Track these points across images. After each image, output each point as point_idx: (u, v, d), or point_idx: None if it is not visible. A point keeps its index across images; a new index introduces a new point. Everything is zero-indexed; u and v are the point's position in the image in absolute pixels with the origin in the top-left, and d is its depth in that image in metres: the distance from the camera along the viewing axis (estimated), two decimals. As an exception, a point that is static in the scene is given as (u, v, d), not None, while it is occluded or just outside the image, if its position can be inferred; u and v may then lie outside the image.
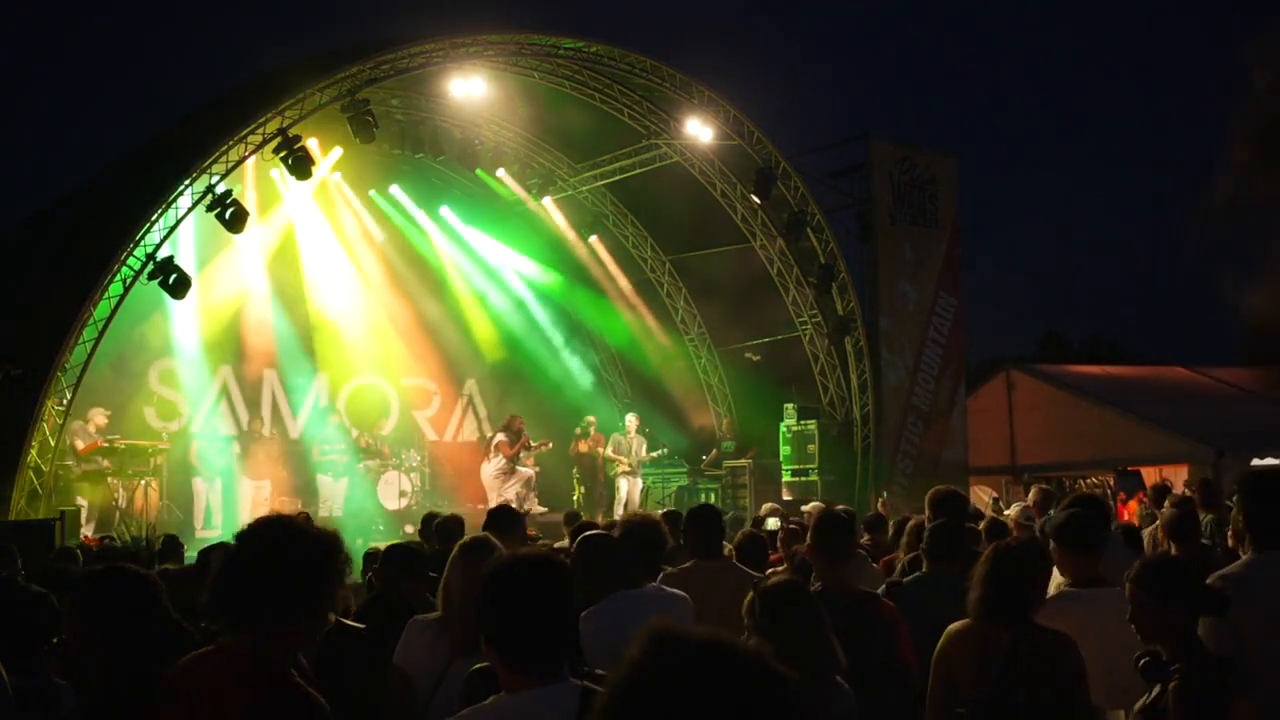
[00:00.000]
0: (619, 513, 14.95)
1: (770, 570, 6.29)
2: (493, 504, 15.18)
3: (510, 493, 15.32)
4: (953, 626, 3.79)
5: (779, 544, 7.40)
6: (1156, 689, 3.22)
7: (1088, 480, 16.65)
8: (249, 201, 13.80)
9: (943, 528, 5.24)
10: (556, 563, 2.50)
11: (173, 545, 6.63)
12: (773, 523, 8.26)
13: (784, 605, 3.41)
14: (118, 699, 2.66)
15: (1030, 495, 9.87)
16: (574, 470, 16.35)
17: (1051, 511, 8.86)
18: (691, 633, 1.40)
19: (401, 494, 15.27)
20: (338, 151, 14.80)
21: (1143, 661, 3.28)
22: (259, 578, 2.41)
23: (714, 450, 16.87)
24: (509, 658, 2.33)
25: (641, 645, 1.39)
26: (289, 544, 2.45)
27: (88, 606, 2.77)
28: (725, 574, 5.06)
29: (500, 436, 15.66)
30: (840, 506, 7.40)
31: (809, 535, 4.70)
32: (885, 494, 14.42)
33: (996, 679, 3.61)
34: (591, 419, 16.51)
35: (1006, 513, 10.00)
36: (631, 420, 16.19)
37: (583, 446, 16.38)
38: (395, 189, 16.62)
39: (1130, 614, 3.35)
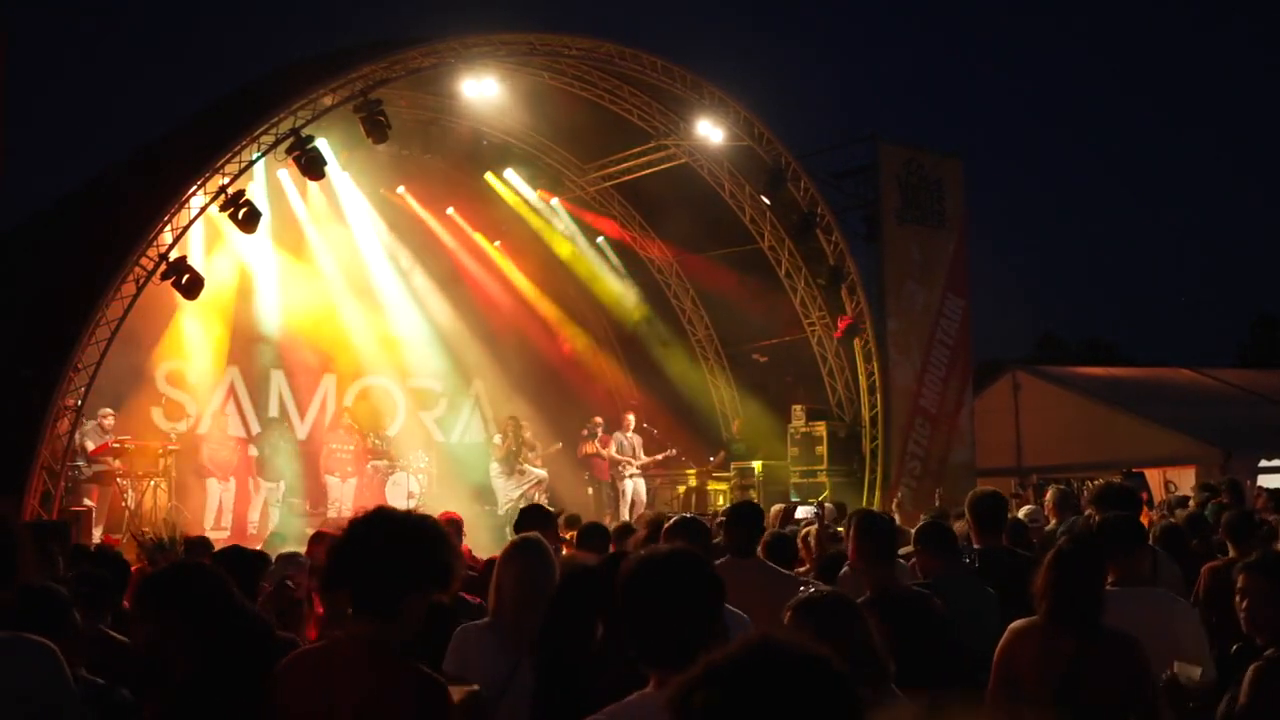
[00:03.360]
0: (625, 514, 14.94)
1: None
2: (500, 505, 15.30)
3: (516, 493, 15.31)
4: (1016, 625, 3.79)
5: (801, 544, 7.37)
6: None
7: (1095, 481, 16.67)
8: (257, 201, 13.73)
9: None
10: (698, 558, 2.48)
11: (201, 545, 6.58)
12: (803, 511, 8.22)
13: (838, 621, 3.35)
14: (197, 695, 2.63)
15: (1048, 496, 9.87)
16: (584, 472, 16.34)
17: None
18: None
19: (409, 495, 15.21)
20: (347, 152, 14.75)
21: (1235, 648, 3.29)
22: (371, 565, 2.44)
23: (721, 452, 16.86)
24: (649, 655, 2.30)
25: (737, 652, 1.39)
26: (396, 531, 2.48)
27: (157, 606, 2.73)
28: (758, 573, 5.07)
29: (495, 439, 15.68)
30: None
31: (853, 538, 4.68)
32: (900, 494, 14.42)
33: (1061, 680, 3.60)
34: (599, 420, 16.49)
35: (1018, 514, 9.99)
36: (630, 419, 16.20)
37: (589, 448, 16.36)
38: (402, 189, 16.56)
39: (1244, 602, 3.35)
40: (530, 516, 5.85)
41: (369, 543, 2.47)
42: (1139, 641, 3.66)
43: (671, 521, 5.18)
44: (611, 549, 5.98)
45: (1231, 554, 4.93)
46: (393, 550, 2.46)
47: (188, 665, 2.62)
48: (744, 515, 5.22)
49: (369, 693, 2.31)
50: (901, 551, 5.67)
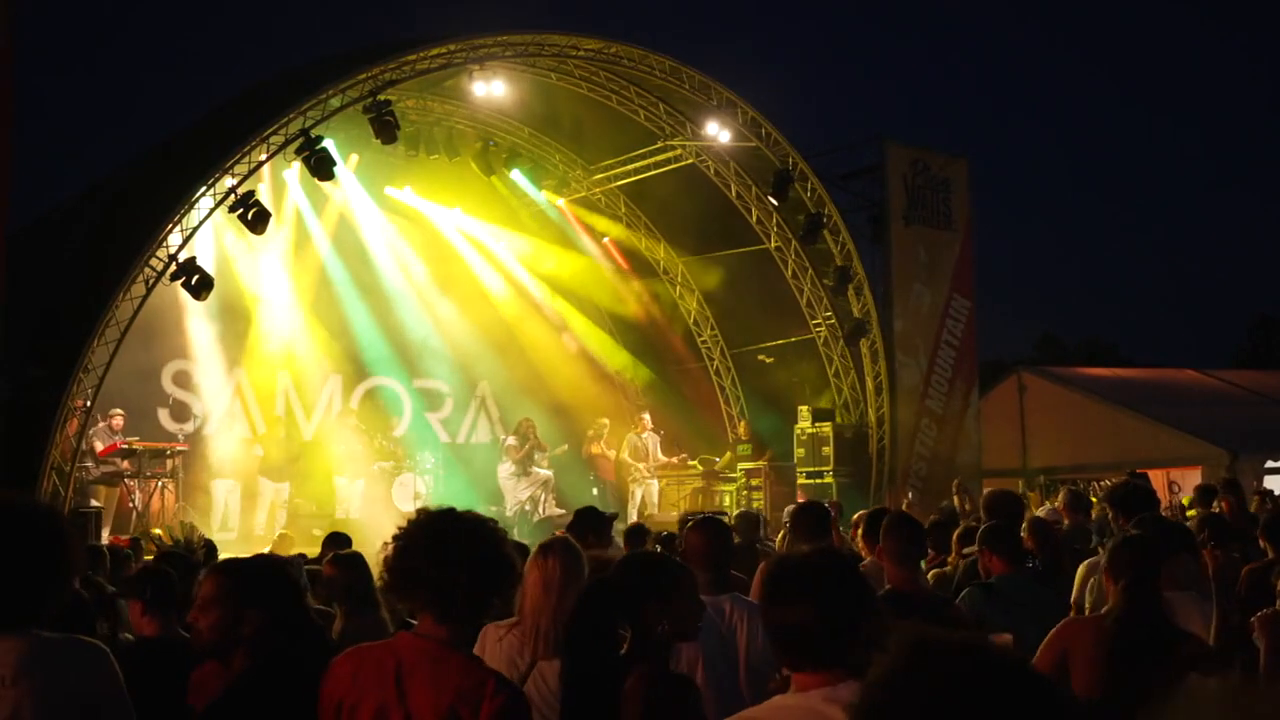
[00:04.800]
0: (633, 517, 14.91)
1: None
2: (509, 506, 15.27)
3: (525, 494, 15.29)
4: (1071, 620, 3.81)
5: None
6: None
7: (1102, 483, 16.66)
8: (265, 202, 13.71)
9: (1005, 529, 5.24)
10: (840, 559, 2.44)
11: (211, 549, 6.57)
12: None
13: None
14: (258, 682, 2.61)
15: (1059, 497, 9.87)
16: (590, 473, 16.32)
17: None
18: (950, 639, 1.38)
19: (416, 496, 15.19)
20: (355, 152, 14.76)
21: None
22: (449, 569, 2.41)
23: (727, 453, 16.84)
24: (793, 659, 2.27)
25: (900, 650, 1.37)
26: (471, 534, 2.46)
27: (234, 590, 2.70)
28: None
29: (509, 440, 15.65)
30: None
31: (881, 537, 4.66)
32: (911, 494, 14.40)
33: (1115, 674, 3.60)
34: (605, 421, 16.48)
35: (1036, 513, 9.98)
36: (646, 418, 16.18)
37: (595, 449, 16.35)
38: (409, 189, 16.55)
39: None
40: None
41: (445, 546, 2.43)
42: (1189, 634, 3.68)
43: (693, 521, 5.16)
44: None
45: (1270, 556, 4.93)
46: (471, 553, 2.42)
47: (246, 660, 2.60)
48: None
49: (453, 694, 2.29)
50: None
